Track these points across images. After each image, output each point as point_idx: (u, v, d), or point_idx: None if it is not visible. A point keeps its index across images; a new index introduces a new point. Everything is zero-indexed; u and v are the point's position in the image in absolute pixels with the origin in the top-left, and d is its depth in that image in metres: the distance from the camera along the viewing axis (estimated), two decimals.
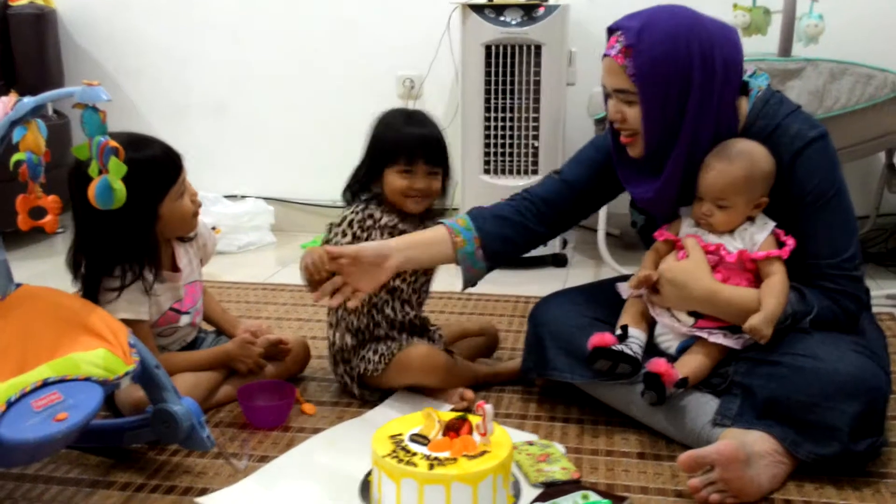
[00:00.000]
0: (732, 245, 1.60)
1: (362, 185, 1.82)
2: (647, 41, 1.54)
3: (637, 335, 1.66)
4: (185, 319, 1.82)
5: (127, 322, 1.57)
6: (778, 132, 1.60)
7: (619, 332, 1.65)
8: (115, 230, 1.63)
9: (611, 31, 1.62)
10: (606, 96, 1.67)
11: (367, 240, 1.74)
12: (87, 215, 1.60)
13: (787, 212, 1.60)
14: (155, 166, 1.66)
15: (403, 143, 1.76)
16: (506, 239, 1.77)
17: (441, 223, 1.76)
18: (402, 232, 1.77)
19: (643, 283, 1.65)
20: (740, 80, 1.61)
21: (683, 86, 1.55)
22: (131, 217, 1.59)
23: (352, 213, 1.78)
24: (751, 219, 1.61)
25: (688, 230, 1.66)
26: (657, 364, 1.56)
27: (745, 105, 1.63)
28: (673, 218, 1.70)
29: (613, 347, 1.61)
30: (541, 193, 1.80)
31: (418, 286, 1.87)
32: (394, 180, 1.76)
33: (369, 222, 1.77)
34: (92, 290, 1.68)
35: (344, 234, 1.76)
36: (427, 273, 1.88)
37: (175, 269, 1.79)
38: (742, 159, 1.56)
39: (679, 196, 1.65)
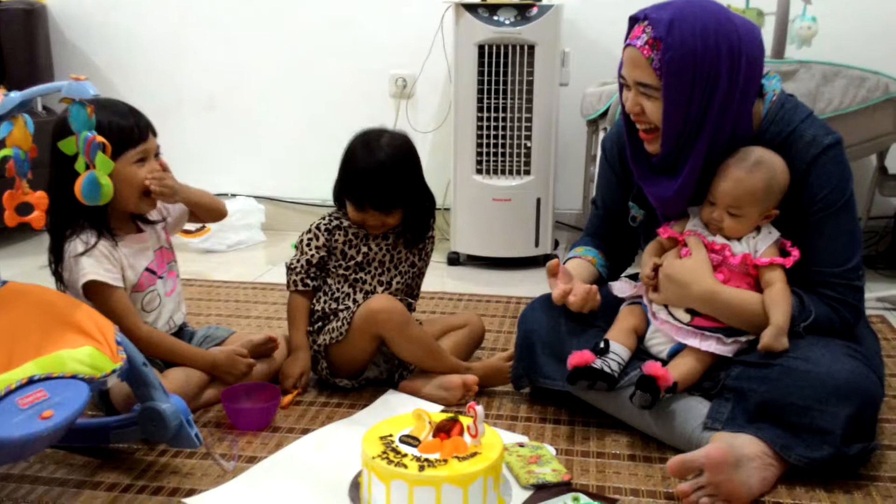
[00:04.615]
0: (737, 248, 1.59)
1: (337, 198, 1.91)
2: (677, 35, 1.49)
3: (618, 351, 1.64)
4: (161, 286, 1.81)
5: (103, 288, 1.66)
6: (792, 138, 1.57)
7: (602, 345, 1.64)
8: (63, 187, 1.51)
9: (635, 19, 1.57)
10: (622, 86, 1.62)
11: (332, 240, 1.87)
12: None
13: (794, 217, 1.59)
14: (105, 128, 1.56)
15: (354, 187, 1.83)
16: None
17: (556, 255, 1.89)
18: (367, 234, 1.89)
19: (652, 272, 1.65)
20: (760, 82, 1.58)
21: (709, 84, 1.51)
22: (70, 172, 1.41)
23: (320, 219, 1.90)
24: (757, 227, 1.60)
25: (693, 228, 1.64)
26: (653, 367, 1.54)
27: (760, 108, 1.61)
28: (680, 216, 1.68)
29: (593, 365, 1.59)
30: (591, 230, 1.93)
31: (385, 280, 1.90)
32: (351, 211, 1.88)
33: (336, 223, 1.89)
34: (58, 257, 1.69)
35: (315, 238, 1.87)
36: (398, 267, 1.91)
37: (138, 230, 1.79)
38: (762, 170, 1.54)
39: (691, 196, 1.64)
